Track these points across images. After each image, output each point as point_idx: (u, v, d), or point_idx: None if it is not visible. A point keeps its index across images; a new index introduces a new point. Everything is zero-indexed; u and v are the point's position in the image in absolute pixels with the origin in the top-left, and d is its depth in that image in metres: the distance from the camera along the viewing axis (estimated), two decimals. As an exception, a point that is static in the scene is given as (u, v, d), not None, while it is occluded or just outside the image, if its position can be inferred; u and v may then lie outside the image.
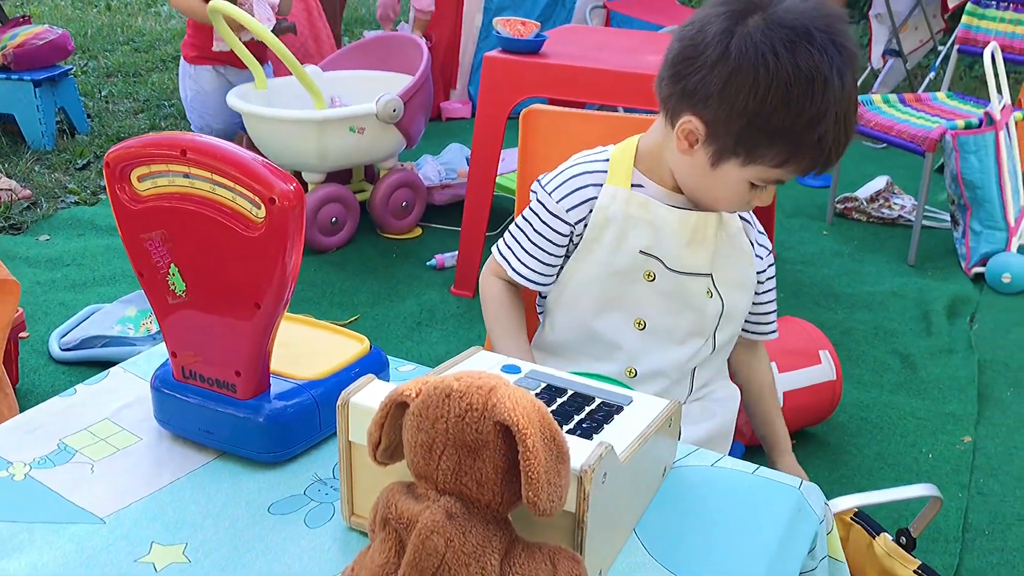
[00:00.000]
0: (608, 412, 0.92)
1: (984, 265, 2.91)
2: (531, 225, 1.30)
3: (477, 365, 1.01)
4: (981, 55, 3.30)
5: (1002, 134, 2.92)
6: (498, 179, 2.75)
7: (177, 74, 3.28)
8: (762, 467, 1.00)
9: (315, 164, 2.98)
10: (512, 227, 1.34)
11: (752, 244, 1.29)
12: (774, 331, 1.40)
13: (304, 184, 3.09)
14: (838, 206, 3.40)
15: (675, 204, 1.24)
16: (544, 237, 1.29)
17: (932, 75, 4.14)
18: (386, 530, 0.73)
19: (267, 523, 0.89)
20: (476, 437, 0.69)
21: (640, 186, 1.25)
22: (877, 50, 4.49)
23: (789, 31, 1.08)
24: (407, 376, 1.16)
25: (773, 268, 1.35)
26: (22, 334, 2.22)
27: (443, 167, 3.36)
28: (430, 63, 3.09)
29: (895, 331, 2.59)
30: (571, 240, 1.29)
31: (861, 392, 2.28)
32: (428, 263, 2.94)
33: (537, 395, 0.94)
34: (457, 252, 2.81)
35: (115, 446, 1.00)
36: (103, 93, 4.60)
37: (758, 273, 1.30)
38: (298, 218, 0.87)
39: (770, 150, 1.12)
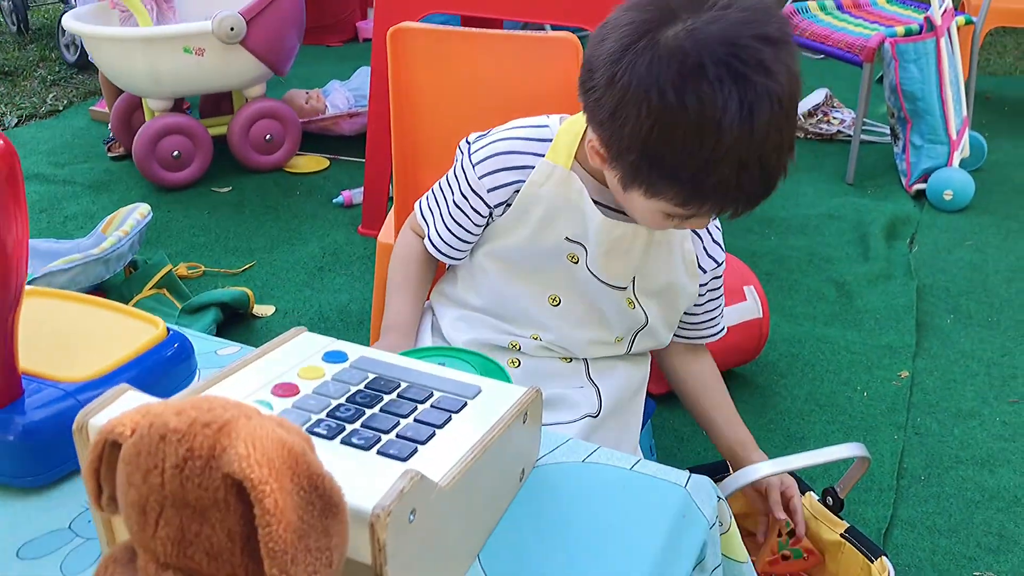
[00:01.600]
0: (446, 411, 0.74)
1: (925, 182, 2.76)
2: (451, 193, 1.15)
3: (297, 351, 0.82)
4: (922, -45, 3.09)
5: (943, 41, 2.74)
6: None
7: None
8: (643, 461, 0.83)
9: (150, 89, 2.67)
10: (436, 185, 1.19)
11: (698, 257, 1.14)
12: (719, 332, 1.26)
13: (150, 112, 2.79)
14: (775, 122, 3.22)
15: (604, 202, 1.08)
16: (461, 211, 1.14)
17: (873, -21, 3.92)
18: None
19: (12, 572, 0.71)
20: (201, 495, 0.50)
21: (574, 171, 1.10)
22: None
23: (680, 63, 0.87)
24: (227, 361, 0.96)
25: (719, 279, 1.20)
26: None
27: (352, 94, 3.11)
28: None
29: (830, 257, 2.44)
30: (490, 218, 1.13)
31: (793, 326, 2.13)
32: (334, 200, 2.71)
33: (359, 391, 0.76)
34: (362, 188, 2.59)
35: None
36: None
37: (701, 286, 1.17)
38: (9, 184, 0.66)
39: (669, 189, 0.94)
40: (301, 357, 0.81)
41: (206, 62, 2.61)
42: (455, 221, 1.15)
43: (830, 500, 1.34)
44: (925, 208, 2.72)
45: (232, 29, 2.55)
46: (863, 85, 2.79)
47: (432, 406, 0.75)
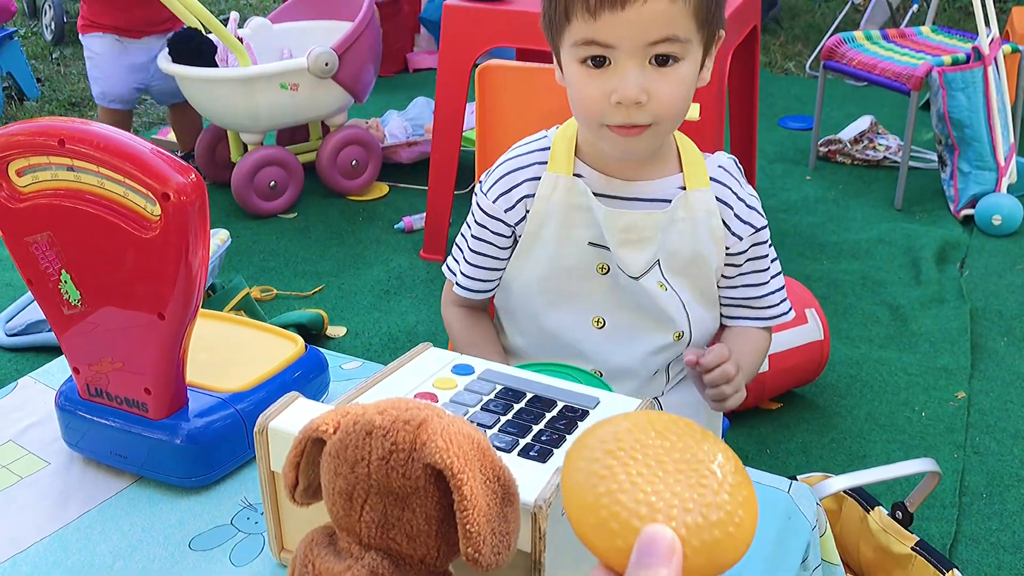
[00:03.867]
0: (571, 419, 0.81)
1: (973, 207, 2.81)
2: (470, 231, 1.16)
3: (425, 365, 0.90)
4: (967, -14, 3.15)
5: (990, 69, 2.80)
6: (465, 134, 2.61)
7: None
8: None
9: (248, 124, 2.81)
10: (458, 236, 1.21)
11: (728, 225, 1.10)
12: (784, 313, 1.16)
13: (244, 146, 2.93)
14: (821, 149, 3.28)
15: (611, 194, 1.09)
16: (485, 241, 1.15)
17: (915, 8, 3.99)
18: (305, 592, 0.62)
19: (187, 561, 0.79)
20: (404, 483, 0.58)
21: (579, 175, 1.10)
22: (858, -17, 4.34)
23: None
24: (352, 376, 1.04)
25: (763, 246, 1.12)
26: (-36, 321, 2.09)
27: (409, 123, 3.21)
28: (372, 8, 2.89)
29: (883, 281, 2.49)
30: (514, 240, 1.15)
31: (850, 348, 2.18)
32: (396, 226, 2.81)
33: (491, 400, 0.83)
34: (424, 214, 2.68)
35: (18, 474, 0.89)
36: (55, 56, 4.40)
37: (740, 254, 1.11)
38: (200, 214, 0.75)
39: (550, 5, 1.01)
40: (432, 370, 0.89)
41: (300, 96, 2.75)
42: (478, 253, 1.15)
43: (899, 514, 1.39)
44: (974, 233, 2.76)
45: (327, 64, 2.70)
46: (910, 113, 2.84)
47: (558, 414, 0.82)
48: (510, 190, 1.12)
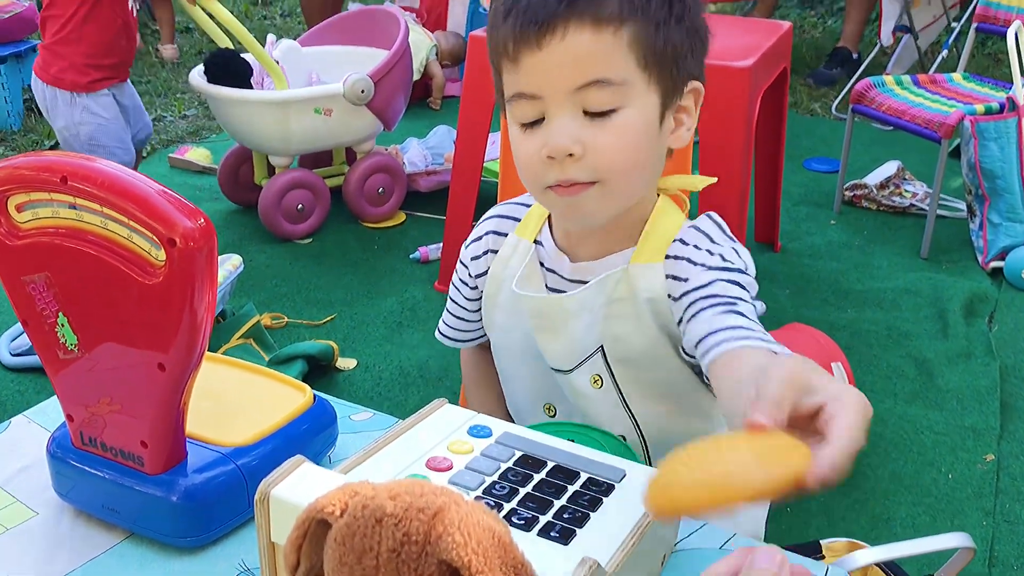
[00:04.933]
0: (595, 495, 0.75)
1: (1002, 259, 2.74)
2: (452, 284, 1.10)
3: (442, 425, 0.84)
4: (1000, 33, 3.10)
5: None
6: (486, 164, 2.56)
7: None
8: (773, 540, 0.84)
9: (279, 147, 2.78)
10: None
11: (673, 302, 0.91)
12: (755, 340, 0.83)
13: (271, 168, 2.91)
14: (846, 193, 3.22)
15: (555, 270, 0.98)
16: (456, 288, 1.08)
17: (944, 53, 3.93)
18: None
19: (177, 632, 0.73)
20: (415, 579, 0.52)
21: (540, 244, 1.00)
22: (887, 27, 4.28)
23: None
24: (361, 428, 0.99)
25: (732, 287, 0.88)
26: (-32, 338, 2.05)
27: (429, 151, 3.17)
28: (407, 37, 2.87)
29: (909, 333, 2.42)
30: (478, 294, 1.06)
31: (875, 403, 2.09)
32: (411, 256, 2.76)
33: (510, 468, 0.78)
34: (441, 244, 2.64)
35: (4, 524, 0.84)
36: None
37: (692, 290, 0.88)
38: (208, 261, 0.70)
39: (492, 66, 0.91)
40: (447, 431, 0.83)
41: (332, 121, 2.73)
42: (452, 300, 1.10)
43: (929, 588, 1.33)
44: (1003, 286, 2.69)
45: (363, 91, 2.68)
46: (940, 161, 2.78)
47: (581, 487, 0.76)
48: (480, 238, 1.05)
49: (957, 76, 3.24)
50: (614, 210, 0.91)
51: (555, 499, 0.74)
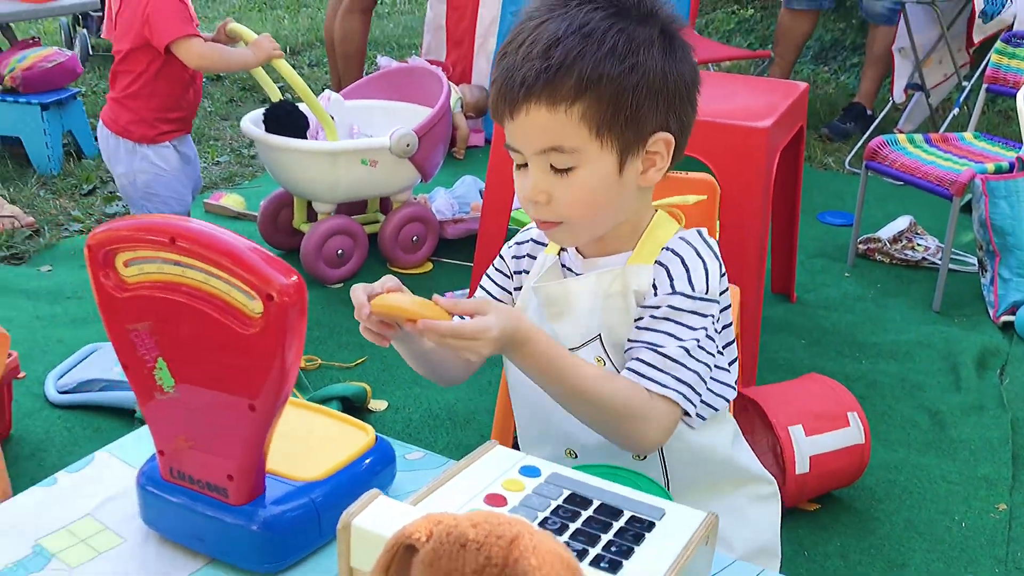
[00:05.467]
0: (639, 531, 0.83)
1: (1013, 314, 2.81)
2: (487, 276, 1.25)
3: (494, 465, 0.92)
4: (1010, 95, 3.21)
5: (1033, 178, 2.83)
6: (513, 213, 2.66)
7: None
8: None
9: (326, 195, 2.93)
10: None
11: (654, 285, 1.08)
12: (664, 389, 1.04)
13: (313, 213, 3.02)
14: (860, 247, 3.31)
15: (573, 268, 1.15)
16: (489, 277, 1.23)
17: (956, 111, 4.04)
18: None
19: (257, 649, 0.81)
20: (495, 597, 0.60)
21: (564, 250, 1.17)
22: (900, 84, 4.40)
23: None
24: (415, 466, 1.07)
25: (674, 312, 1.05)
26: (19, 375, 2.14)
27: (456, 200, 3.28)
28: (449, 95, 3.02)
29: (922, 384, 2.49)
30: (511, 280, 1.21)
31: (889, 452, 2.18)
32: (439, 302, 2.84)
33: (560, 506, 0.85)
34: (468, 290, 2.73)
35: (96, 549, 0.92)
36: (112, 115, 4.53)
37: (644, 308, 1.07)
38: (299, 313, 0.79)
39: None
40: (500, 470, 0.91)
41: (377, 172, 2.88)
42: (481, 287, 1.23)
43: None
44: (1014, 340, 2.76)
45: (408, 145, 2.83)
46: (951, 218, 2.87)
47: (626, 524, 0.84)
48: (523, 243, 1.20)
49: (968, 135, 3.34)
50: (585, 239, 1.11)
51: (602, 534, 0.82)
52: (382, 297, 1.01)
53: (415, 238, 3.06)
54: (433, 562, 0.62)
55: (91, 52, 5.45)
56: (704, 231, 1.12)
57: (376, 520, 0.75)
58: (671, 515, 0.86)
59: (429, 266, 3.11)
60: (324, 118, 2.88)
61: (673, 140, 1.06)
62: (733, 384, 1.16)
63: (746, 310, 2.21)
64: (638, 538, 0.82)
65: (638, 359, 1.05)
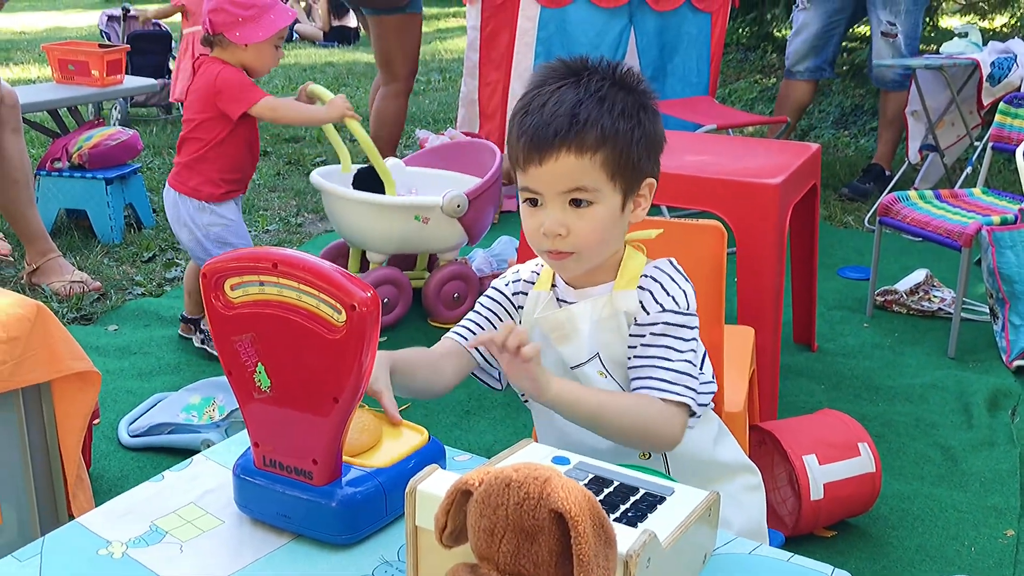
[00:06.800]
0: (651, 502, 1.00)
1: (1025, 358, 2.94)
2: (480, 305, 1.42)
3: (528, 457, 1.10)
4: (1014, 152, 3.38)
5: (1038, 229, 2.98)
6: (544, 271, 2.86)
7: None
8: (797, 556, 1.07)
9: (379, 245, 3.19)
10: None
11: (642, 302, 1.28)
12: (681, 395, 1.25)
13: (363, 265, 3.25)
14: (878, 299, 3.46)
15: (566, 299, 1.33)
16: (490, 310, 1.40)
17: (969, 169, 4.22)
18: (452, 607, 0.82)
19: (337, 601, 0.98)
20: (533, 523, 0.78)
21: (555, 285, 1.35)
22: (914, 146, 4.59)
23: None
24: (462, 465, 1.25)
25: (673, 328, 1.27)
26: (95, 421, 2.35)
27: (494, 258, 3.51)
28: (501, 166, 3.28)
29: (936, 424, 2.63)
30: (509, 313, 1.38)
31: (902, 484, 2.31)
32: (476, 353, 3.04)
33: (585, 486, 1.03)
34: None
35: (201, 528, 1.10)
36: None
37: (640, 325, 1.28)
38: (375, 321, 0.98)
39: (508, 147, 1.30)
40: (535, 460, 1.09)
41: (428, 228, 3.13)
42: (477, 312, 1.40)
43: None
44: (1026, 383, 2.89)
45: (459, 206, 3.08)
46: (962, 268, 3.03)
47: (641, 497, 1.01)
48: (517, 278, 1.40)
49: (977, 190, 3.51)
50: (586, 268, 1.30)
51: (622, 504, 0.99)
52: None
53: (456, 295, 3.27)
54: (484, 499, 0.80)
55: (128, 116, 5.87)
56: (674, 260, 1.33)
57: (436, 486, 0.93)
58: (679, 493, 1.04)
59: (467, 321, 3.31)
60: (386, 174, 3.14)
61: (655, 184, 1.31)
62: (712, 379, 1.37)
63: (763, 352, 2.38)
64: (651, 507, 0.99)
65: (651, 376, 1.26)
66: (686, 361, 1.26)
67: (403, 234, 3.14)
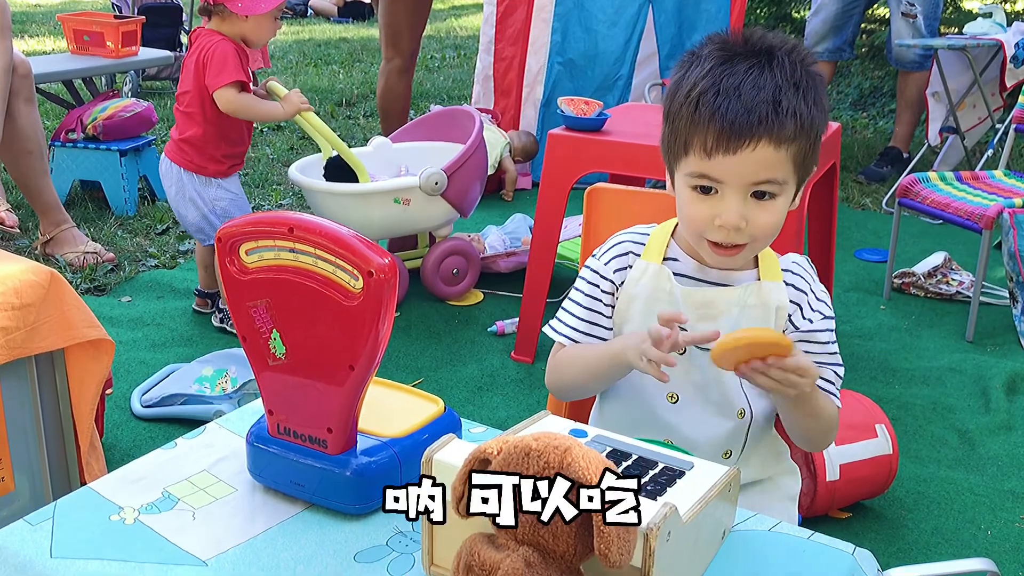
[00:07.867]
0: (671, 476, 0.98)
1: (1045, 342, 2.91)
2: (581, 292, 1.34)
3: (547, 428, 1.08)
4: (1038, 134, 3.33)
5: (1061, 213, 2.94)
6: (559, 248, 2.84)
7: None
8: (817, 533, 1.05)
9: (363, 233, 3.08)
10: (565, 302, 1.37)
11: (791, 316, 1.27)
12: (833, 394, 1.29)
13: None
14: (896, 281, 3.43)
15: (702, 278, 1.28)
16: (593, 298, 1.32)
17: (990, 152, 4.16)
18: (469, 576, 0.80)
19: (354, 570, 0.97)
20: (553, 492, 0.77)
21: (675, 259, 1.29)
22: (934, 128, 4.53)
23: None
24: (479, 436, 1.23)
25: (823, 333, 1.28)
26: (107, 391, 2.35)
27: (508, 236, 3.48)
28: (480, 134, 3.20)
29: (953, 407, 2.60)
30: (615, 297, 1.31)
31: (919, 467, 2.29)
32: (489, 329, 3.03)
33: (605, 457, 1.01)
34: (517, 319, 2.90)
35: (213, 496, 1.09)
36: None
37: (793, 333, 1.27)
38: (392, 288, 0.97)
39: (671, 136, 1.22)
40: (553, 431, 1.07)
41: (411, 210, 3.07)
42: (587, 309, 1.31)
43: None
44: (1045, 367, 2.85)
45: (436, 183, 3.02)
46: (982, 251, 2.99)
47: (659, 472, 1.00)
48: (619, 256, 1.32)
49: (998, 172, 3.47)
50: (751, 257, 1.28)
51: (640, 477, 0.98)
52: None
53: (455, 271, 3.23)
54: (504, 467, 0.79)
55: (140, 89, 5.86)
56: (806, 256, 1.34)
57: (453, 455, 0.92)
58: (699, 467, 1.02)
59: (480, 296, 3.29)
60: (355, 162, 3.08)
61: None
62: None
63: (780, 332, 2.35)
64: (671, 481, 0.97)
65: (831, 382, 1.28)
66: (840, 366, 1.28)
67: (385, 219, 3.08)
